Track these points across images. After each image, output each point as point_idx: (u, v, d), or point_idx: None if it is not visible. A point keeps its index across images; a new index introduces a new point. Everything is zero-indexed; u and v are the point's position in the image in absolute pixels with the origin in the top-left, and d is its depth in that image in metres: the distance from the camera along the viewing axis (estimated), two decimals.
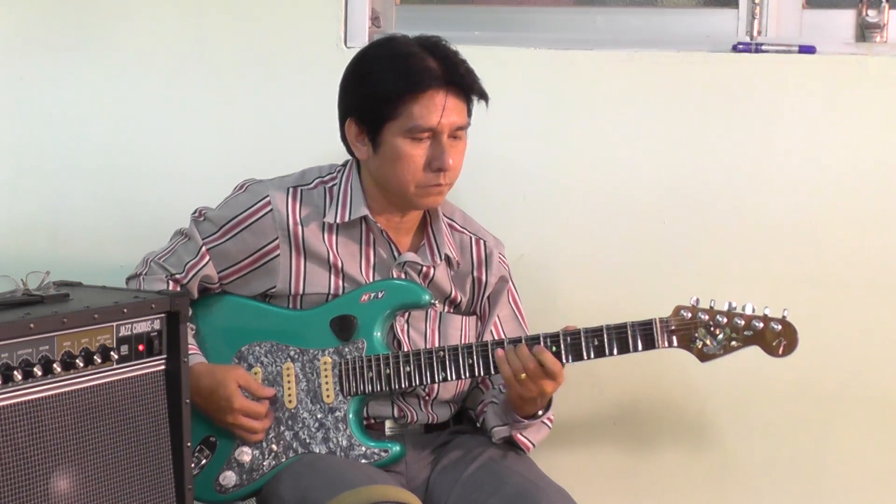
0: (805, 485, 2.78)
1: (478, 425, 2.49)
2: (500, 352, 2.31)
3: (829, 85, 2.71)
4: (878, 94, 2.69)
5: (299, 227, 2.40)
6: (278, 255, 2.40)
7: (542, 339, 2.31)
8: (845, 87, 2.70)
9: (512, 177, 2.83)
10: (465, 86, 2.34)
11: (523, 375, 2.28)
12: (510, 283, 2.53)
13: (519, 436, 2.41)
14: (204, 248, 2.42)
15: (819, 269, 2.73)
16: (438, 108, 2.30)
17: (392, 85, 2.31)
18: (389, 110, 2.31)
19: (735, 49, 2.77)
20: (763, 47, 2.75)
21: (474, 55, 2.39)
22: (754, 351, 2.29)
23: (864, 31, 2.77)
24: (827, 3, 2.83)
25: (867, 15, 2.76)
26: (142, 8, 2.96)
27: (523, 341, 2.31)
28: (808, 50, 2.72)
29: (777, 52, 2.74)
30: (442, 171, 2.33)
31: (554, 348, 2.30)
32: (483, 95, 2.37)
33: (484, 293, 2.50)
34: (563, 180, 2.82)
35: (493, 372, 2.35)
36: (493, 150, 2.78)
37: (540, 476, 2.37)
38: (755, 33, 2.81)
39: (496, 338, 2.44)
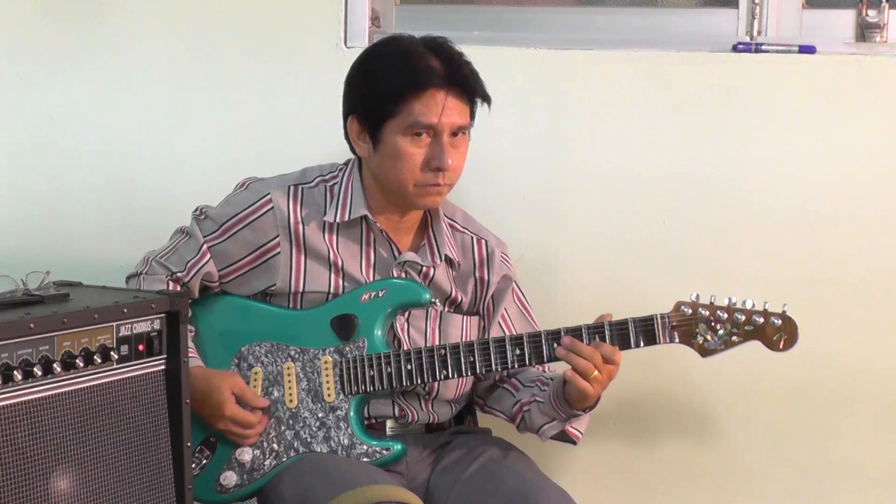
0: (805, 481, 2.78)
1: (515, 426, 2.47)
2: (563, 350, 2.28)
3: (829, 85, 2.71)
4: (878, 94, 2.69)
5: (300, 226, 2.40)
6: (279, 252, 2.40)
7: (542, 335, 2.31)
8: (845, 87, 2.70)
9: (512, 177, 2.83)
10: (468, 87, 2.34)
11: (595, 373, 2.26)
12: (514, 282, 2.53)
13: (570, 428, 2.40)
14: (205, 247, 2.42)
15: (819, 269, 2.73)
16: (439, 106, 2.30)
17: (394, 83, 2.31)
18: (390, 108, 2.31)
19: (735, 49, 2.77)
20: (763, 47, 2.75)
21: (474, 55, 2.39)
22: (754, 348, 2.29)
23: (864, 31, 2.77)
24: (827, 3, 2.84)
25: (867, 15, 2.76)
26: (142, 8, 2.96)
27: (525, 338, 2.31)
28: (808, 50, 2.73)
29: (777, 52, 2.74)
30: (441, 170, 2.32)
31: (555, 345, 2.30)
32: (486, 98, 2.36)
33: (487, 293, 2.50)
34: (563, 180, 2.82)
35: (494, 369, 2.34)
36: (493, 149, 2.78)
37: (540, 476, 2.37)
38: (755, 33, 2.81)
39: (506, 334, 2.43)
